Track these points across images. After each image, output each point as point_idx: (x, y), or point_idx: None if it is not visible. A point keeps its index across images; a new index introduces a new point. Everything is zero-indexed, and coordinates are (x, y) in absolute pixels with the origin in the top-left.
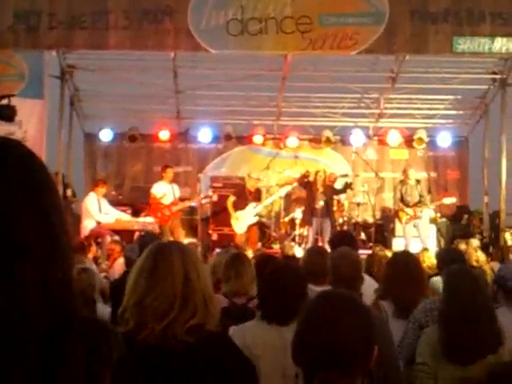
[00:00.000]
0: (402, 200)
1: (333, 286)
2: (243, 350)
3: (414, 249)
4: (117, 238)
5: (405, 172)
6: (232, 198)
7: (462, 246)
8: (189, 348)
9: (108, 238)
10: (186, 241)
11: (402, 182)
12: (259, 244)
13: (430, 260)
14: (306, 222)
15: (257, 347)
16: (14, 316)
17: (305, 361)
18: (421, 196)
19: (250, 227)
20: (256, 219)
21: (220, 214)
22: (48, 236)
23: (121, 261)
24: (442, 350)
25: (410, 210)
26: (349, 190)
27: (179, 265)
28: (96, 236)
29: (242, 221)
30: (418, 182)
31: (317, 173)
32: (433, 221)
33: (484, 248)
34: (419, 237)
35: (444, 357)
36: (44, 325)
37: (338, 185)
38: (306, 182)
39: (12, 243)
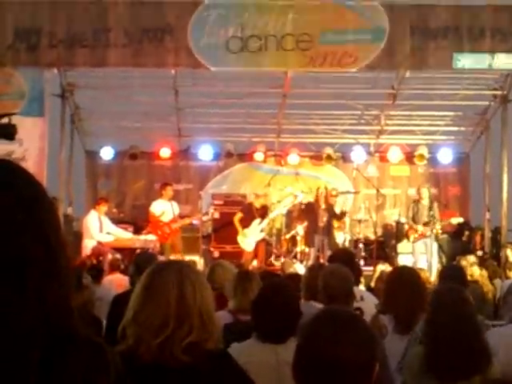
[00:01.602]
0: (413, 219)
1: (324, 303)
2: None
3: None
4: (118, 256)
5: (418, 191)
6: (239, 215)
7: (464, 263)
8: (186, 367)
9: (109, 256)
10: (186, 258)
11: (416, 202)
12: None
13: (425, 276)
14: (309, 240)
15: (251, 366)
16: (13, 328)
17: (306, 379)
18: (432, 216)
19: (258, 243)
20: (263, 235)
21: (221, 231)
22: (46, 255)
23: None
24: (425, 367)
25: (420, 228)
26: (350, 207)
27: (174, 283)
28: (98, 254)
29: (249, 237)
30: (431, 202)
31: (318, 189)
32: (434, 237)
33: (484, 264)
34: (426, 253)
35: (426, 374)
36: (41, 339)
37: (338, 205)
38: (308, 205)
39: (10, 260)
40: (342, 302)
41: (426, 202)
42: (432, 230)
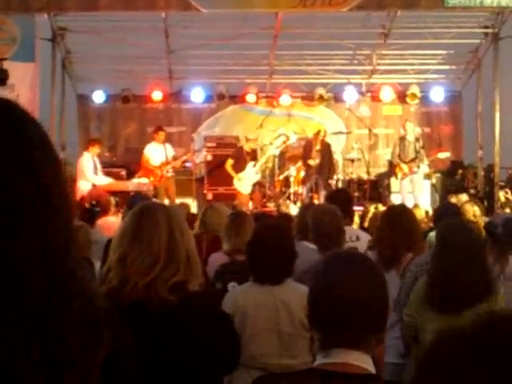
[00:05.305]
0: (400, 157)
1: (315, 242)
2: (235, 311)
3: (409, 204)
4: (112, 199)
5: (403, 127)
6: (230, 161)
7: (454, 201)
8: (171, 306)
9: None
10: (178, 201)
11: (401, 139)
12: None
13: (420, 217)
14: (305, 181)
15: (249, 307)
16: (12, 286)
17: (322, 323)
18: (417, 152)
19: (254, 186)
20: (258, 176)
21: (215, 173)
22: (42, 197)
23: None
24: (425, 297)
25: (405, 167)
26: (343, 147)
27: (164, 223)
28: (95, 197)
29: (245, 181)
30: (416, 138)
31: (316, 132)
32: (427, 176)
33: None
34: (413, 192)
35: (427, 306)
36: (41, 292)
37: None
38: (304, 146)
39: (4, 209)
40: (334, 239)
41: (411, 137)
42: (418, 166)
